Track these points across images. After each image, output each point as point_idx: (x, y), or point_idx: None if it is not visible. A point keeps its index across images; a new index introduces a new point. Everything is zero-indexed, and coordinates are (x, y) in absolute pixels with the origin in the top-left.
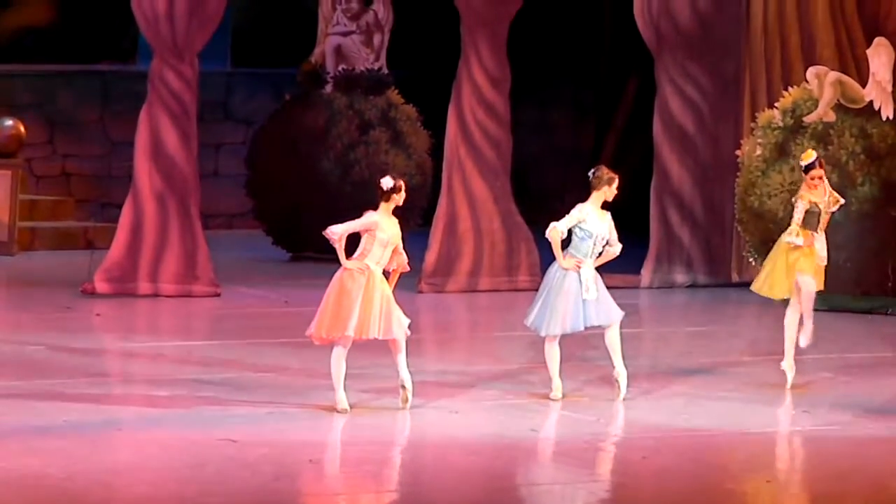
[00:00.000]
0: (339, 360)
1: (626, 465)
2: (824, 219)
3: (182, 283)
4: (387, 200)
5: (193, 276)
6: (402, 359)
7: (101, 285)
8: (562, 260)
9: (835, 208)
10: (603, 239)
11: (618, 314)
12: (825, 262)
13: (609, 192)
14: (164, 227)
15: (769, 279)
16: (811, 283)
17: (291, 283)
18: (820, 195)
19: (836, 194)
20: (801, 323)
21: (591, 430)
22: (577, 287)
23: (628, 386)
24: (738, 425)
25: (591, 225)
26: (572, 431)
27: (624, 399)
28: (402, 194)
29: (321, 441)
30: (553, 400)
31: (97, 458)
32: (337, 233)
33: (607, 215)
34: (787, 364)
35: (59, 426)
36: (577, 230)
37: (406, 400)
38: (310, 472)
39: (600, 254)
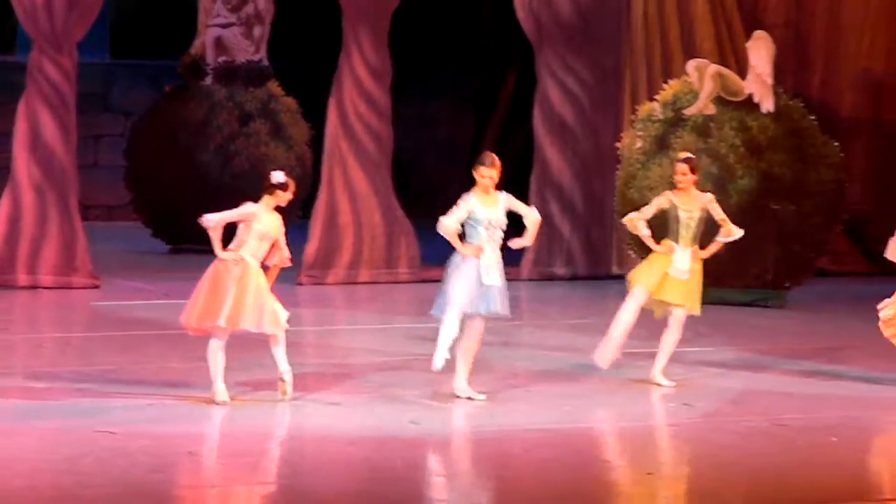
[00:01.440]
0: (216, 352)
1: (508, 458)
2: (714, 246)
3: (61, 275)
4: (271, 194)
5: (72, 268)
6: (280, 351)
7: None
8: (461, 248)
9: (727, 239)
10: (497, 222)
11: (507, 311)
12: (682, 277)
13: (477, 175)
14: (42, 219)
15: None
16: (681, 313)
17: (171, 274)
18: (687, 202)
19: (732, 227)
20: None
21: (472, 422)
22: (476, 272)
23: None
24: (619, 418)
25: (478, 213)
26: (453, 424)
27: (483, 393)
28: (288, 194)
29: (200, 433)
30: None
31: None
32: (213, 220)
33: (500, 196)
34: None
35: None
36: (467, 222)
37: (285, 392)
38: (188, 463)
39: (506, 238)
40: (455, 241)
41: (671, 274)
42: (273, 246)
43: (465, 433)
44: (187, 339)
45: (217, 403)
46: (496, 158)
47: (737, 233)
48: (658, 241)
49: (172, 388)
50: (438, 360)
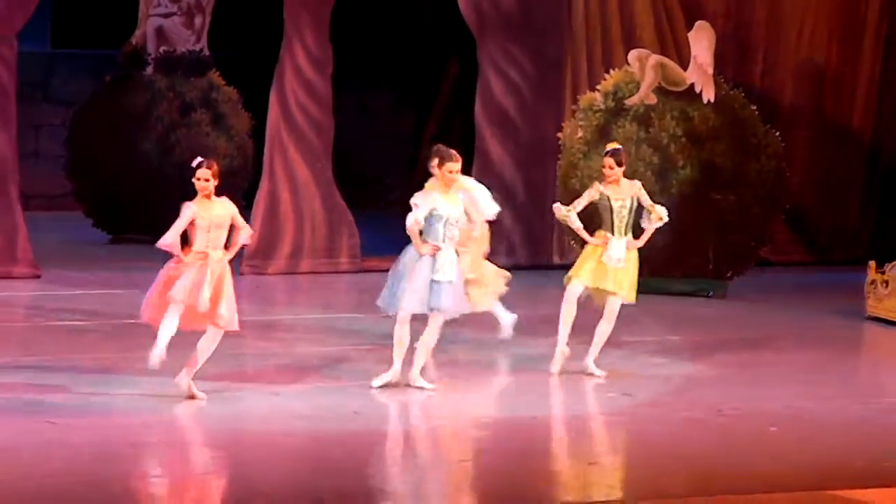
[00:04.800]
0: (170, 321)
1: (448, 449)
2: (647, 234)
3: (1, 265)
4: (196, 182)
5: (13, 258)
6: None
7: None
8: (420, 246)
9: (658, 224)
10: (456, 221)
11: (464, 307)
12: (616, 266)
13: (441, 171)
14: None
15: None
16: (615, 302)
17: (111, 265)
18: (618, 192)
19: (658, 210)
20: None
21: (413, 413)
22: (429, 269)
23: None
24: (560, 408)
25: (440, 208)
26: (393, 414)
27: (429, 388)
28: (203, 171)
29: (141, 423)
30: (387, 384)
31: None
32: (169, 240)
33: (457, 196)
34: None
35: None
36: (427, 218)
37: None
38: (129, 454)
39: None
40: (416, 240)
41: (605, 262)
42: (233, 228)
43: (406, 423)
44: (127, 329)
45: (150, 362)
46: (457, 153)
47: (664, 216)
48: (592, 233)
49: (113, 379)
50: (391, 375)
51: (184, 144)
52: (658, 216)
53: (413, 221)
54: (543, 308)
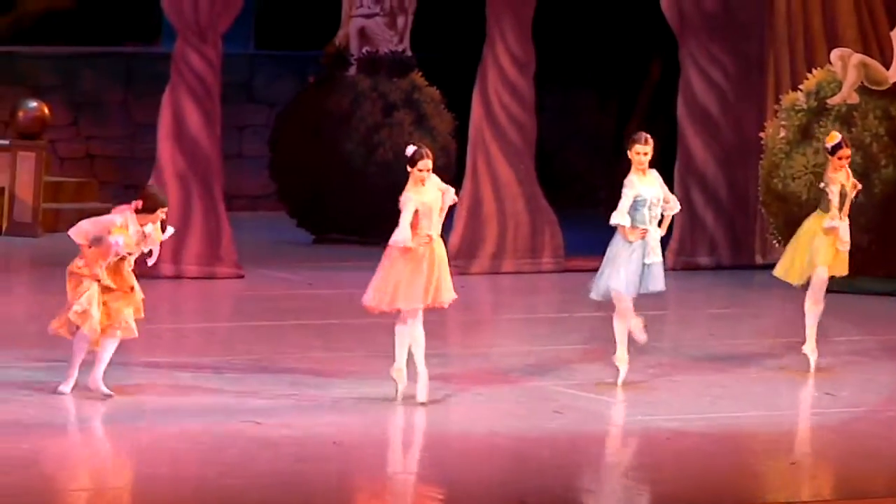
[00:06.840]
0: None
1: (651, 447)
2: (847, 204)
3: (205, 265)
4: (410, 171)
5: (217, 258)
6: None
7: None
8: (629, 235)
9: (853, 193)
10: (657, 200)
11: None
12: (847, 247)
13: (631, 154)
14: (187, 209)
15: (790, 265)
16: (823, 271)
17: (315, 265)
18: (844, 178)
19: (853, 180)
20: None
21: (615, 411)
22: (641, 253)
23: (649, 367)
24: (761, 408)
25: (642, 193)
26: (596, 413)
27: (626, 383)
28: (424, 162)
29: (344, 423)
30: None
31: (117, 439)
32: (402, 237)
33: (652, 174)
34: (809, 348)
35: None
36: (632, 204)
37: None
38: (332, 453)
39: (661, 219)
40: (624, 233)
41: (841, 248)
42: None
43: (609, 422)
44: (331, 329)
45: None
46: (649, 136)
47: (859, 185)
48: (804, 213)
49: (316, 378)
50: (620, 363)
51: (387, 145)
52: (854, 184)
53: (618, 215)
54: (748, 308)
